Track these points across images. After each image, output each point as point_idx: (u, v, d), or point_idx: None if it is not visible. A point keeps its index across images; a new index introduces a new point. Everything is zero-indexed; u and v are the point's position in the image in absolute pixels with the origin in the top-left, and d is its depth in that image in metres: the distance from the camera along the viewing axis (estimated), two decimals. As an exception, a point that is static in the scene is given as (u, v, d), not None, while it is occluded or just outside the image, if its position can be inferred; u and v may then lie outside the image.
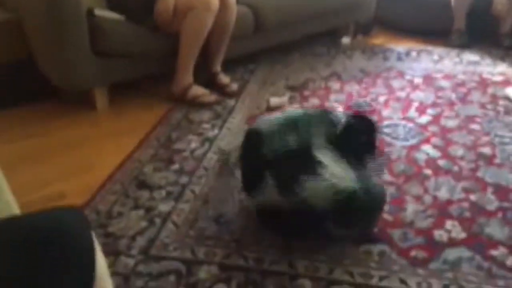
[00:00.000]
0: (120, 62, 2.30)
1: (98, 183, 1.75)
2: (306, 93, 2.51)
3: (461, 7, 3.05)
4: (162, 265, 1.39)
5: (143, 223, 1.55)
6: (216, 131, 2.14)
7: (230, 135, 2.10)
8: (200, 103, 2.36)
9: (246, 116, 2.27)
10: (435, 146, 2.00)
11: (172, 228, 1.53)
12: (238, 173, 1.65)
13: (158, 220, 1.57)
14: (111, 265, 1.38)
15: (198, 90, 2.39)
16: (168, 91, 2.41)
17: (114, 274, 1.35)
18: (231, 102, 2.41)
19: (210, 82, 2.50)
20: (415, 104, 2.37)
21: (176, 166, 1.87)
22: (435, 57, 2.94)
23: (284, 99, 2.37)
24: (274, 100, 2.35)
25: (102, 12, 2.22)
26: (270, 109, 2.32)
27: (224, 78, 2.53)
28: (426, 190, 1.72)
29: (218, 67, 2.54)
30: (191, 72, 2.38)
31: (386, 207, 1.62)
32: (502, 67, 2.76)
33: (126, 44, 2.26)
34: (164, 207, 1.63)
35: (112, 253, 1.42)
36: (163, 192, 1.71)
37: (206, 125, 2.19)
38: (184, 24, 2.25)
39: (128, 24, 2.28)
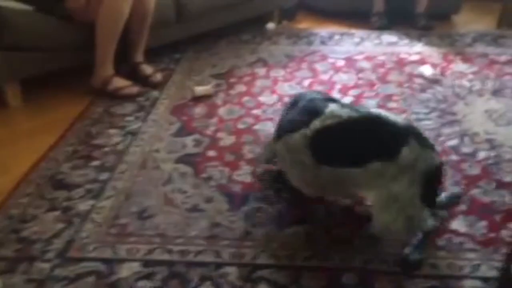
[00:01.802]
0: (32, 56, 2.17)
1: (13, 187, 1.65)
2: (232, 80, 2.49)
3: None
4: (81, 266, 1.33)
5: (60, 225, 1.48)
6: (139, 123, 2.08)
7: (154, 127, 2.04)
8: (122, 95, 2.28)
9: (170, 107, 2.22)
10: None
11: (91, 228, 1.47)
12: (164, 166, 1.61)
13: (76, 220, 1.50)
14: (24, 272, 1.31)
15: (119, 82, 2.30)
16: (88, 84, 2.30)
17: (28, 281, 1.28)
18: (155, 93, 2.35)
19: (133, 73, 2.41)
20: (338, 86, 2.42)
21: (96, 163, 1.79)
22: (357, 39, 3.02)
23: (209, 87, 2.34)
24: (199, 89, 2.31)
25: (6, 3, 2.07)
26: (195, 98, 2.28)
27: (147, 69, 2.46)
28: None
29: (140, 57, 2.46)
30: (111, 63, 2.28)
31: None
32: (418, 47, 2.88)
33: (36, 36, 2.13)
34: (83, 206, 1.56)
35: (25, 259, 1.34)
36: (82, 191, 1.64)
37: (129, 118, 2.12)
38: (99, 12, 2.15)
39: (37, 15, 2.14)
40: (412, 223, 1.29)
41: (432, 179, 1.32)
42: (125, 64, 2.40)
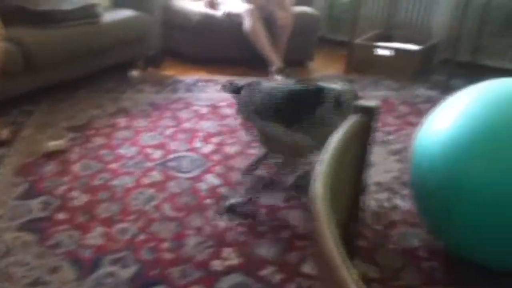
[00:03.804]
0: None
1: None
2: (90, 132, 2.38)
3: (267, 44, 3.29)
4: None
5: None
6: (-22, 187, 1.87)
7: (-4, 191, 1.85)
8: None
9: (18, 166, 2.04)
10: (217, 175, 2.08)
11: None
12: (4, 236, 1.44)
13: None
14: None
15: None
16: None
17: None
18: (0, 151, 2.14)
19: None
20: (201, 134, 2.45)
21: None
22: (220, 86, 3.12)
23: (62, 142, 2.20)
24: (51, 144, 2.17)
25: None
26: (47, 154, 2.13)
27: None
28: (206, 221, 1.77)
29: None
30: None
31: (167, 244, 1.62)
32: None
33: None
34: None
35: None
36: None
37: (-35, 183, 1.90)
38: None
39: None
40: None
41: None
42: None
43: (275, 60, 3.28)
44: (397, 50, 3.43)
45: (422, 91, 3.19)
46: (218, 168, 2.13)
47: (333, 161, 0.53)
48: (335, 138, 0.58)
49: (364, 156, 0.71)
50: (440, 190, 1.42)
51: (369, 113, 0.60)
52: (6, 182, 1.92)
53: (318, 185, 0.50)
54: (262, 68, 3.30)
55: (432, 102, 2.97)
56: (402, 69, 3.35)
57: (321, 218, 0.46)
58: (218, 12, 3.46)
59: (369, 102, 0.58)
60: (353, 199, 0.78)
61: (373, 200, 1.93)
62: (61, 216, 1.74)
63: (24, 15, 2.62)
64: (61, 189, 1.90)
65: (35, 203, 1.80)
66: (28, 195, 1.85)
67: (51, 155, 2.13)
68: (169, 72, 3.37)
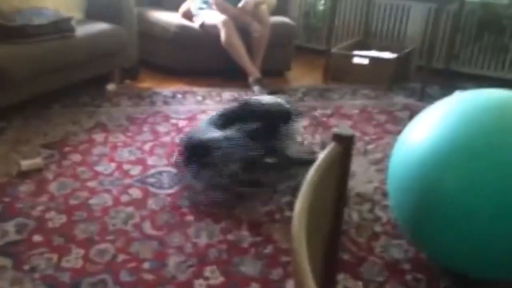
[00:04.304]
0: None
1: None
2: (66, 149, 2.33)
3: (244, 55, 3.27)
4: None
5: None
6: None
7: (-33, 214, 1.79)
8: None
9: (-10, 187, 1.97)
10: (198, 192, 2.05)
11: None
12: None
13: None
14: None
15: None
16: None
17: None
18: (-29, 171, 2.08)
19: None
20: (180, 148, 2.42)
21: None
22: (199, 97, 3.09)
23: (37, 160, 2.15)
24: (26, 163, 2.11)
25: None
26: (21, 173, 2.07)
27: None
28: (187, 238, 1.74)
29: None
30: None
31: (148, 265, 1.59)
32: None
33: None
34: None
35: None
36: None
37: None
38: None
39: None
40: None
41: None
42: None
43: (253, 71, 3.27)
44: (373, 58, 3.46)
45: (399, 99, 3.23)
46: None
47: (311, 193, 0.53)
48: (313, 169, 0.57)
49: (343, 188, 0.71)
50: (418, 200, 1.44)
51: (345, 142, 0.60)
52: (-21, 204, 1.85)
53: (296, 223, 0.49)
54: (240, 79, 3.29)
55: (409, 110, 3.01)
56: (378, 77, 3.39)
57: (299, 257, 0.45)
58: (195, 24, 3.45)
59: (345, 130, 0.58)
60: (335, 213, 0.78)
61: (355, 211, 1.93)
62: (37, 238, 1.69)
63: (-4, 29, 2.56)
64: (37, 210, 1.85)
65: (9, 226, 1.74)
66: (2, 217, 1.79)
67: (26, 174, 2.07)
68: (146, 84, 3.33)
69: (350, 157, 0.71)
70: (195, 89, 3.25)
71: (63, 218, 1.81)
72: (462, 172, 1.36)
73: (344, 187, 0.74)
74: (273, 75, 3.48)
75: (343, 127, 0.84)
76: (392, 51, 3.57)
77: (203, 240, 1.73)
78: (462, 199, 1.34)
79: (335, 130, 0.64)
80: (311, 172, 0.57)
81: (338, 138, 0.65)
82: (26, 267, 1.55)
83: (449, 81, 3.56)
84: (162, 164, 2.25)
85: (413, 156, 1.46)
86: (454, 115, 1.45)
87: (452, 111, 1.47)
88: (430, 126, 1.47)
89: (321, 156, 0.61)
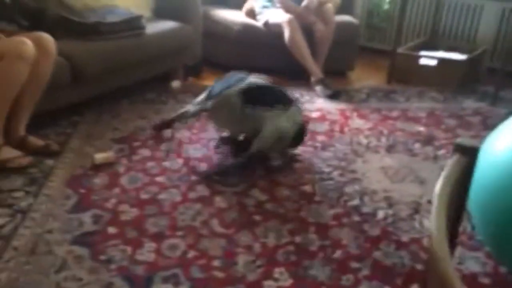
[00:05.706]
0: None
1: None
2: (135, 144, 2.40)
3: (307, 55, 3.24)
4: None
5: None
6: (30, 200, 1.89)
7: (48, 203, 1.87)
8: (10, 167, 2.08)
9: (67, 178, 2.06)
10: (262, 190, 2.05)
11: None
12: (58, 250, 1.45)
13: None
14: None
15: (8, 153, 2.10)
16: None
17: None
18: (49, 162, 2.18)
19: (21, 147, 2.21)
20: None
21: (-25, 252, 1.59)
22: (261, 96, 3.09)
23: (110, 154, 2.22)
24: (99, 156, 2.19)
25: None
26: (95, 166, 2.15)
27: (36, 141, 2.25)
28: (256, 238, 1.74)
29: (22, 130, 2.23)
30: (1, 131, 2.09)
31: (217, 263, 1.60)
32: (318, 103, 3.02)
33: None
34: (-44, 310, 1.35)
35: None
36: (-44, 290, 1.43)
37: (17, 194, 1.93)
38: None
39: None
40: (279, 145, 2.21)
41: (300, 129, 2.28)
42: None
43: (315, 71, 3.23)
44: (441, 59, 3.33)
45: (469, 103, 3.09)
46: (263, 183, 2.10)
47: (444, 207, 0.50)
48: (442, 180, 0.54)
49: (463, 199, 0.67)
50: (502, 214, 1.36)
51: (469, 154, 0.56)
52: (58, 194, 1.94)
53: (437, 242, 0.47)
54: (302, 78, 3.26)
55: (481, 115, 2.87)
56: (447, 80, 3.26)
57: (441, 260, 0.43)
58: (258, 22, 3.45)
59: (469, 141, 0.54)
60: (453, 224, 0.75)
61: (427, 220, 1.86)
62: (111, 230, 1.75)
63: (70, 26, 2.66)
64: (111, 202, 1.91)
65: (86, 217, 1.81)
66: (78, 208, 1.86)
67: (99, 167, 2.15)
68: (208, 82, 3.37)
69: (473, 169, 0.67)
70: (257, 87, 3.24)
71: (135, 212, 1.86)
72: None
73: (465, 198, 0.70)
74: (335, 75, 3.42)
75: (465, 138, 0.79)
76: (461, 52, 3.42)
77: (271, 241, 1.72)
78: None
79: (458, 140, 0.61)
80: (441, 184, 0.54)
81: (460, 149, 0.61)
82: (103, 257, 1.61)
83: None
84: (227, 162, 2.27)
85: (499, 167, 1.37)
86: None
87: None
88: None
89: (447, 168, 0.58)
